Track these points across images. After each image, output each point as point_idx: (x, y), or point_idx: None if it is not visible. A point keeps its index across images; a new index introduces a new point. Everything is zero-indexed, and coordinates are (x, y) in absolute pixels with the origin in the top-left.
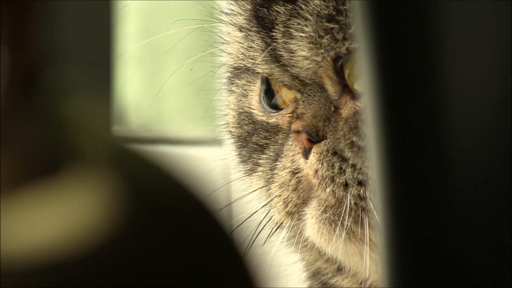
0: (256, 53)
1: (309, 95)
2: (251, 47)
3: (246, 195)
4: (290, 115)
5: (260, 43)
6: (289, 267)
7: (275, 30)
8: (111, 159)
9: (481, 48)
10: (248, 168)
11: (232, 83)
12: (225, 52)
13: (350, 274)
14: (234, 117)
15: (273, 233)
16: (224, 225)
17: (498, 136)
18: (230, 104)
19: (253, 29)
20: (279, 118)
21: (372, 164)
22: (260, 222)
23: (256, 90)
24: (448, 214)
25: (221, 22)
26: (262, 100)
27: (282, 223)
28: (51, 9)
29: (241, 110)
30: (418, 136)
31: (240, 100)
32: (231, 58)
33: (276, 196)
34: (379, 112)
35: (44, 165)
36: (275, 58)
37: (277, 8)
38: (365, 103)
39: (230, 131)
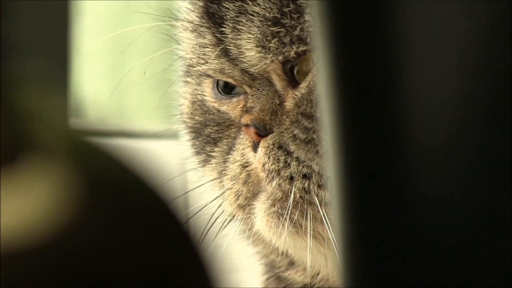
0: (207, 48)
1: (258, 89)
2: (202, 44)
3: (199, 186)
4: (241, 108)
5: (211, 38)
6: (244, 260)
7: (225, 26)
8: (68, 150)
9: (440, 47)
10: (202, 159)
11: (188, 75)
12: (179, 51)
13: (302, 267)
14: (188, 107)
15: (225, 226)
16: (179, 216)
17: (456, 135)
18: (186, 94)
19: (204, 25)
20: (230, 107)
21: (328, 163)
22: (213, 214)
23: (210, 79)
24: (403, 213)
25: (174, 23)
26: (215, 86)
27: (234, 216)
28: (7, 1)
29: (194, 99)
30: (375, 136)
31: (195, 89)
32: (185, 56)
33: (228, 189)
34: (335, 111)
35: (0, 156)
36: (225, 52)
37: (226, 4)
38: (320, 102)
39: (184, 121)
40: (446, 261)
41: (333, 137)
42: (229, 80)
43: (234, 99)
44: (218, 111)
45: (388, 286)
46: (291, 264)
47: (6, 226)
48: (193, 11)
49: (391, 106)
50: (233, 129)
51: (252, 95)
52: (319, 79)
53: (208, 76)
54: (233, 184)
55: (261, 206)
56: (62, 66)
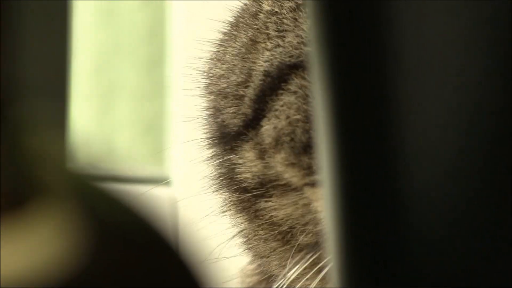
0: None
1: None
2: None
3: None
4: None
5: None
6: None
7: None
8: (73, 193)
9: (442, 57)
10: (318, 179)
11: (286, 82)
12: (276, 44)
13: None
14: (299, 120)
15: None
16: (189, 261)
17: (450, 143)
18: (291, 105)
19: None
20: None
21: (323, 169)
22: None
23: None
24: (396, 218)
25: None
26: None
27: None
28: (15, 42)
29: (311, 112)
30: (368, 142)
31: (307, 101)
32: (285, 51)
33: None
34: (329, 116)
35: (8, 199)
36: None
37: None
38: (315, 109)
39: (288, 133)
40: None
41: (327, 152)
42: None
43: None
44: None
45: (382, 286)
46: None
47: (12, 270)
48: None
49: (383, 110)
50: None
51: None
52: (313, 85)
53: None
54: None
55: None
56: (60, 107)
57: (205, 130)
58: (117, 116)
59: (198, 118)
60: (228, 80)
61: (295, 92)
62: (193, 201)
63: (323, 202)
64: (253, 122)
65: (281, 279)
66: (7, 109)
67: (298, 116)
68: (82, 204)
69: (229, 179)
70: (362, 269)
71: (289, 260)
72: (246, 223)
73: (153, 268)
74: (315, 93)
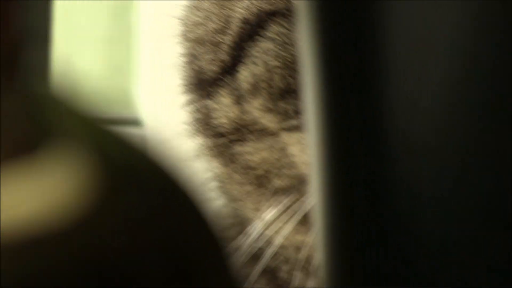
0: None
1: None
2: None
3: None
4: None
5: None
6: None
7: None
8: (87, 137)
9: (428, 40)
10: (294, 124)
11: (264, 28)
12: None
13: None
14: (277, 67)
15: None
16: (203, 206)
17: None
18: (269, 51)
19: None
20: None
21: (313, 163)
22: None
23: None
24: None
25: None
26: None
27: None
28: None
29: (290, 59)
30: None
31: (286, 48)
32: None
33: None
34: (320, 112)
35: (23, 143)
36: None
37: None
38: (301, 54)
39: (266, 79)
40: (434, 265)
41: (313, 97)
42: None
43: None
44: None
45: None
46: None
47: (28, 212)
48: None
49: (374, 105)
50: None
51: None
52: (305, 84)
53: None
54: None
55: None
56: (45, 52)
57: (181, 77)
58: (84, 60)
59: (170, 63)
60: (206, 27)
61: (273, 39)
62: (165, 143)
63: (299, 147)
64: (230, 69)
65: (255, 222)
66: (16, 57)
67: (275, 63)
68: (97, 148)
69: (205, 124)
70: (349, 216)
71: (264, 204)
72: (222, 167)
73: (172, 216)
74: (302, 38)
